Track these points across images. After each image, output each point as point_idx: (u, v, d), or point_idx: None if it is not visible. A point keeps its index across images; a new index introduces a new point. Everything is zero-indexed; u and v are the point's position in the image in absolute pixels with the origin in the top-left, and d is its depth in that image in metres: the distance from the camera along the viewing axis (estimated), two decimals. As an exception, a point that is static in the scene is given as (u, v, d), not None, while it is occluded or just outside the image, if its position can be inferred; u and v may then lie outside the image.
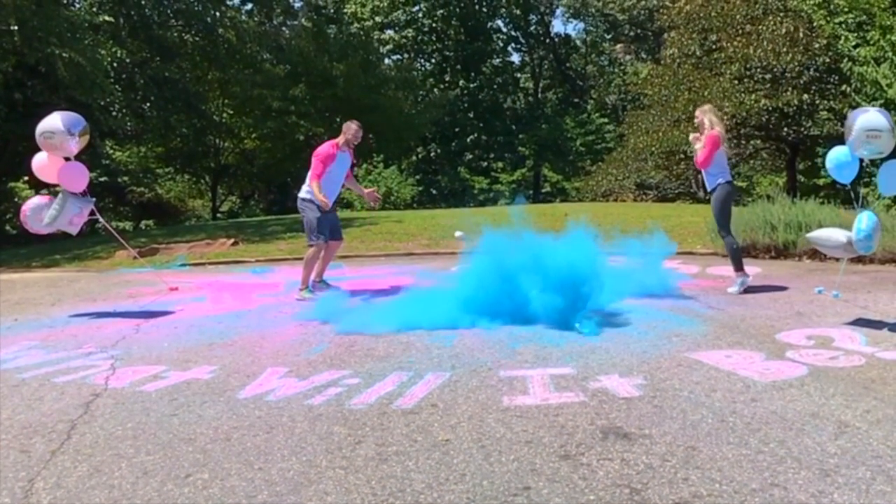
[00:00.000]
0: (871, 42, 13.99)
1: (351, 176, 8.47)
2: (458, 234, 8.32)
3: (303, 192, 8.05)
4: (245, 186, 36.57)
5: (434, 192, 40.43)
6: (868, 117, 6.03)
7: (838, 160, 6.47)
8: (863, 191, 6.85)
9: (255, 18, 32.94)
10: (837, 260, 9.65)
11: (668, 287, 7.75)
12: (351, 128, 8.13)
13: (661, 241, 8.46)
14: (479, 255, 6.95)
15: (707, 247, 11.22)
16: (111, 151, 27.86)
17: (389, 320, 6.32)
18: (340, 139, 8.06)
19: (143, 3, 24.89)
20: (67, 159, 7.45)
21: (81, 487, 3.23)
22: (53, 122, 7.20)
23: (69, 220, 7.51)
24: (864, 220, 6.14)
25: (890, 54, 13.34)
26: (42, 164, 7.47)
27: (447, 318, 6.29)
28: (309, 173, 7.93)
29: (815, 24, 18.25)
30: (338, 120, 31.84)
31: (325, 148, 7.99)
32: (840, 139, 6.78)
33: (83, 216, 7.65)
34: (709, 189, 8.07)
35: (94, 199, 7.81)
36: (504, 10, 45.94)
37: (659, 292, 7.51)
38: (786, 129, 24.72)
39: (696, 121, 8.10)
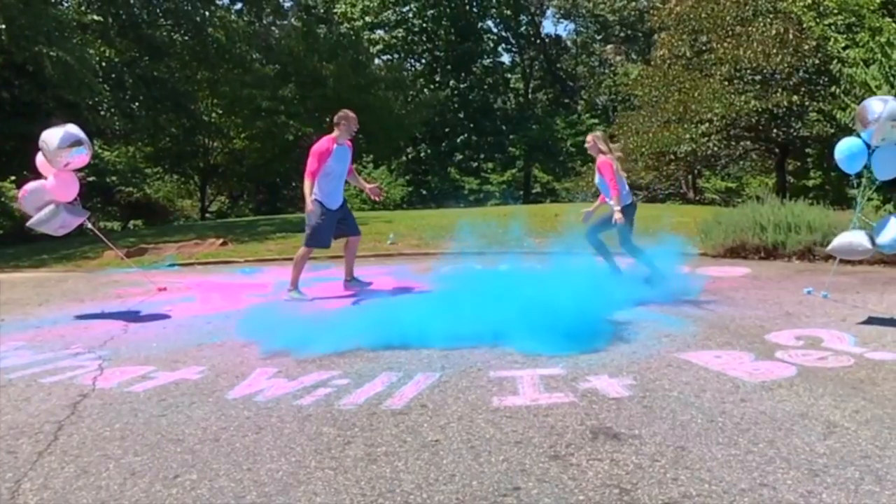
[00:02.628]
0: (861, 44, 14.03)
1: (352, 170, 8.19)
2: (390, 238, 8.35)
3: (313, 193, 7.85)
4: (234, 186, 36.43)
5: (424, 192, 40.44)
6: (894, 105, 6.07)
7: (850, 150, 6.51)
8: (852, 192, 6.89)
9: (245, 18, 32.84)
10: (826, 260, 9.71)
11: (687, 290, 7.66)
12: (350, 116, 7.84)
13: (676, 244, 8.47)
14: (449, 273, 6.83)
15: (697, 247, 11.24)
16: (100, 151, 27.70)
17: (327, 340, 5.68)
18: (337, 132, 7.78)
19: (131, 2, 24.81)
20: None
21: (68, 488, 3.21)
22: (51, 136, 7.02)
23: (55, 229, 7.46)
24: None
25: (879, 56, 13.39)
26: (43, 162, 7.37)
27: (394, 337, 5.69)
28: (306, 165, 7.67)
29: (804, 25, 18.30)
30: (327, 120, 31.83)
31: (321, 143, 7.74)
32: (829, 140, 6.84)
33: (72, 226, 7.59)
34: (616, 209, 8.04)
35: (88, 213, 7.72)
36: (494, 10, 45.94)
37: (676, 296, 7.41)
38: (775, 130, 24.84)
39: (587, 145, 8.20)
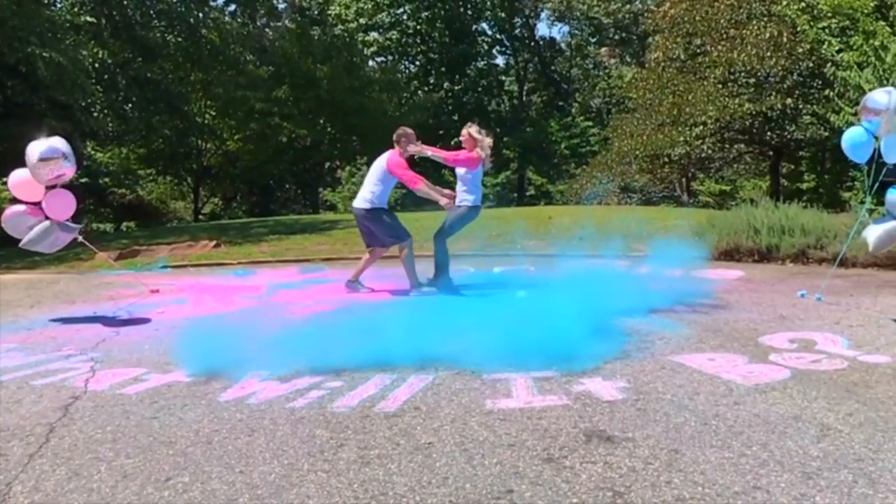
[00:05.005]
0: (855, 47, 14.09)
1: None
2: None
3: (362, 203, 8.08)
4: (227, 188, 36.35)
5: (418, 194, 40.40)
6: None
7: (853, 140, 6.52)
8: (846, 195, 6.91)
9: (239, 19, 32.78)
10: (820, 263, 9.74)
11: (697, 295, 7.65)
12: (409, 132, 8.25)
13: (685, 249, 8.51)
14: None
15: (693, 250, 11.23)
16: (92, 152, 27.66)
17: (264, 361, 5.20)
18: (398, 147, 8.15)
19: (125, 3, 24.70)
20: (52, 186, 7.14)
21: (60, 491, 3.19)
22: (33, 150, 6.89)
23: (48, 247, 7.40)
24: None
25: (873, 59, 13.44)
26: (20, 181, 7.16)
27: (339, 360, 5.12)
28: (403, 181, 8.10)
29: (798, 28, 18.36)
30: (321, 122, 31.83)
31: (398, 158, 8.11)
32: (823, 143, 6.86)
33: (65, 242, 7.53)
34: (457, 202, 8.16)
35: (80, 226, 7.65)
36: (489, 12, 45.89)
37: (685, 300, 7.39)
38: (769, 133, 24.91)
39: (461, 138, 8.32)
